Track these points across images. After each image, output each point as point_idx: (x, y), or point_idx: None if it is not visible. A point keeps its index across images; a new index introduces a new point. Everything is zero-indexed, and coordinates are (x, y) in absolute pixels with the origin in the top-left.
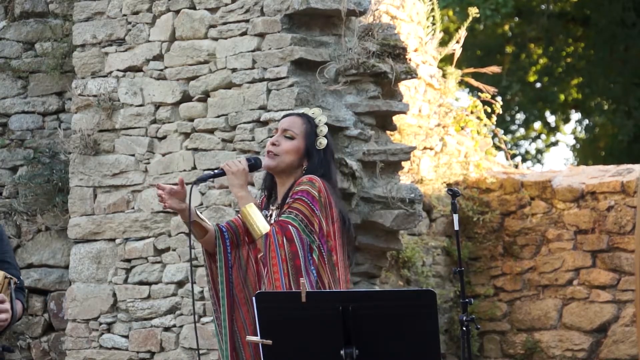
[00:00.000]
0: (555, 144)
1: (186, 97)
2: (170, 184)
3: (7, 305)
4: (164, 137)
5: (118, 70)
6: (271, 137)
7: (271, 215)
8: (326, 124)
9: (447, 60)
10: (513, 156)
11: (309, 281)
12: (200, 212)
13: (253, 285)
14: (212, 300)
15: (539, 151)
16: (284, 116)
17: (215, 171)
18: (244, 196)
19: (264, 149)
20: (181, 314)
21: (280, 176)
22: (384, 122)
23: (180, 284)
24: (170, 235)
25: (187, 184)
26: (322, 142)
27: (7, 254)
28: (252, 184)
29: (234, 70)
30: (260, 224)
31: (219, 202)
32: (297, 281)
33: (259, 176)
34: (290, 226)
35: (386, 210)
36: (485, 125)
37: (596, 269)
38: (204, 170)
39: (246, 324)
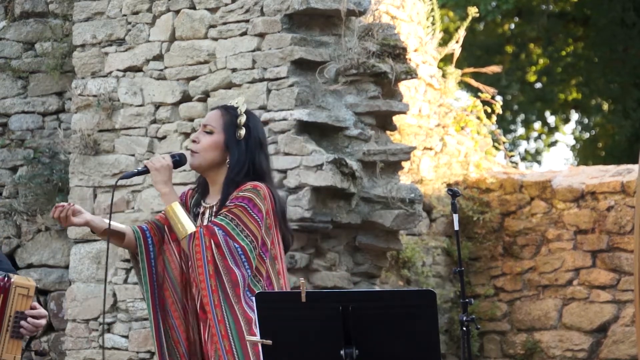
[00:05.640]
0: (555, 144)
1: (186, 97)
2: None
3: (42, 310)
4: (164, 137)
5: (118, 70)
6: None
7: (203, 213)
8: (246, 112)
9: (447, 60)
10: (511, 157)
11: (241, 275)
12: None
13: (180, 286)
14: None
15: (538, 152)
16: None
17: (139, 169)
18: (167, 193)
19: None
20: None
21: (206, 174)
22: (384, 122)
23: None
24: None
25: (109, 186)
26: (241, 132)
27: None
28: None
29: (234, 70)
30: (185, 222)
31: None
32: (222, 282)
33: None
34: (219, 229)
35: (386, 210)
36: (485, 125)
37: (596, 269)
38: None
39: (176, 325)
